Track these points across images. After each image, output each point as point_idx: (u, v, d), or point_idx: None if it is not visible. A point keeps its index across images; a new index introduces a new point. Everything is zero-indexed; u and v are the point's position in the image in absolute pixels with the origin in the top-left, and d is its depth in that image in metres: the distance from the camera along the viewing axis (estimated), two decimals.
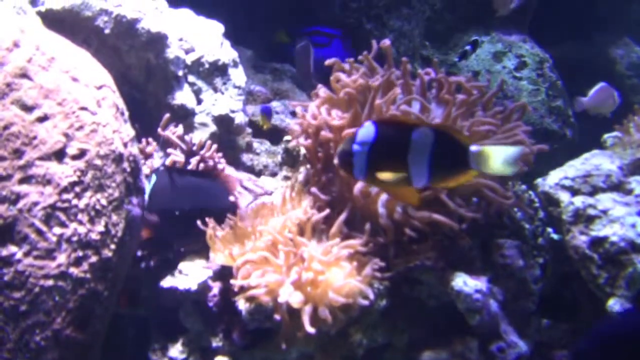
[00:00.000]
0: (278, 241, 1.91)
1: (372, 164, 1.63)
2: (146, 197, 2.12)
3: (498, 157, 1.57)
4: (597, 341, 1.69)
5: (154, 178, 2.21)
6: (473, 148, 1.59)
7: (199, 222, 2.09)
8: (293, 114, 3.08)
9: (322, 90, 2.20)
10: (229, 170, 2.48)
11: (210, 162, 2.37)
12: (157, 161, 2.41)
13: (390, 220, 1.92)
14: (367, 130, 1.63)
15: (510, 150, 1.57)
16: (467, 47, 3.08)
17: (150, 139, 2.43)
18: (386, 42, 2.20)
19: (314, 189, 2.03)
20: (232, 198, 2.28)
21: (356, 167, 1.64)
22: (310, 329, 1.76)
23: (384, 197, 1.94)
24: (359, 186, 1.94)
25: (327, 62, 2.20)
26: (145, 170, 2.31)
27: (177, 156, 2.35)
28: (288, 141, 2.52)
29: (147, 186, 2.15)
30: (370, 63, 2.21)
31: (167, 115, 2.43)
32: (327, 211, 1.98)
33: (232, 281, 1.92)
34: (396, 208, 1.92)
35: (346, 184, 2.02)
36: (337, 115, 2.07)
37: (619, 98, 3.07)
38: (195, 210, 2.14)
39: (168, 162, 2.35)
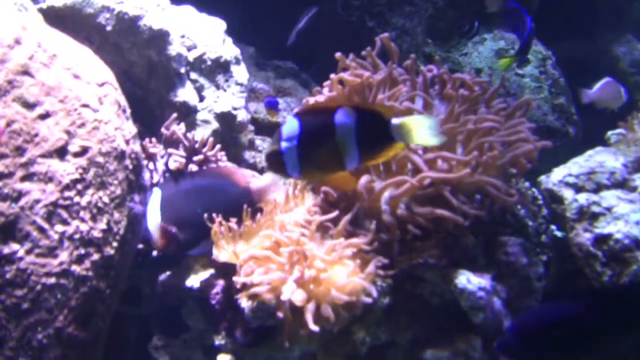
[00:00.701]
0: (281, 239, 1.90)
1: (303, 158, 1.63)
2: (152, 211, 2.11)
3: (420, 127, 1.58)
4: (520, 332, 1.71)
5: (157, 192, 2.19)
6: (394, 121, 1.59)
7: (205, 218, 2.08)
8: None
9: (324, 90, 2.20)
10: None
11: (213, 160, 2.37)
12: (158, 159, 2.41)
13: (393, 216, 1.91)
14: (291, 125, 1.63)
15: (431, 120, 1.59)
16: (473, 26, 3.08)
17: (153, 139, 2.42)
18: (386, 35, 2.20)
19: (324, 187, 2.02)
20: (246, 181, 2.26)
21: (288, 165, 1.64)
22: (314, 327, 1.75)
23: (386, 193, 1.93)
24: (362, 182, 1.93)
25: (337, 55, 2.19)
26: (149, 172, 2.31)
27: (178, 154, 2.35)
28: None
29: (152, 201, 2.14)
30: (373, 60, 2.20)
31: (174, 115, 2.43)
32: (333, 214, 1.98)
33: (234, 278, 1.91)
34: (399, 204, 1.92)
35: None
36: None
37: (625, 94, 3.06)
38: (210, 210, 2.11)
39: (171, 165, 2.34)
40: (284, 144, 1.63)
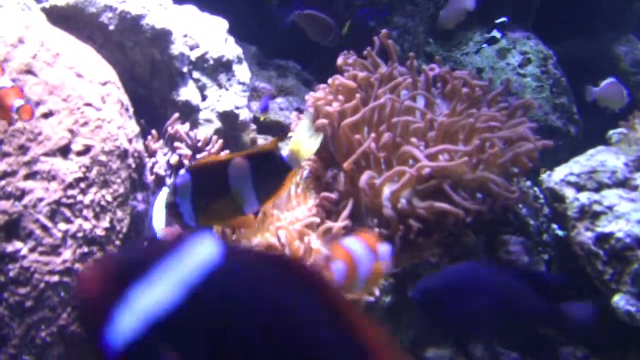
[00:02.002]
0: (284, 235, 1.91)
1: (198, 210, 1.69)
2: (158, 211, 2.11)
3: (303, 140, 1.65)
4: (424, 290, 1.69)
5: (164, 192, 2.19)
6: (284, 152, 1.66)
7: None
8: (298, 110, 3.08)
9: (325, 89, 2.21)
10: None
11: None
12: (160, 157, 2.41)
13: (395, 211, 1.91)
14: (183, 180, 1.69)
15: (304, 125, 1.66)
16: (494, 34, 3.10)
17: (153, 131, 2.42)
18: (384, 31, 2.21)
19: (324, 193, 2.03)
20: None
21: (185, 215, 1.70)
22: None
23: (387, 189, 1.94)
24: (364, 178, 1.93)
25: (339, 61, 2.22)
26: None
27: (184, 150, 2.35)
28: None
29: (158, 200, 2.14)
30: (373, 59, 2.21)
31: (176, 114, 2.43)
32: (341, 223, 1.99)
33: None
34: (400, 199, 1.92)
35: (350, 178, 2.01)
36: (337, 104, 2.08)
37: (627, 96, 3.07)
38: None
39: (174, 160, 2.35)
40: (179, 198, 1.69)
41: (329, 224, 1.96)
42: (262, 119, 2.92)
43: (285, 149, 1.67)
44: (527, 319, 1.71)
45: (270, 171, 1.68)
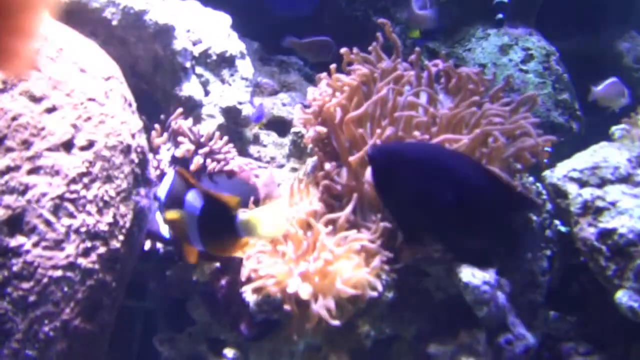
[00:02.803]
0: (288, 232, 1.91)
1: (163, 212, 1.76)
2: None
3: (267, 220, 1.63)
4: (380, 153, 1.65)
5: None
6: (241, 216, 1.64)
7: None
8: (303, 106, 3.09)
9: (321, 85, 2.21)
10: (239, 160, 2.47)
11: (220, 155, 2.37)
12: (164, 152, 2.41)
13: None
14: (169, 177, 1.78)
15: (277, 210, 1.65)
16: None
17: (156, 125, 2.42)
18: (387, 21, 2.21)
19: (325, 181, 2.03)
20: (251, 181, 2.27)
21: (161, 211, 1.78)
22: (334, 322, 1.76)
23: None
24: (369, 173, 1.93)
25: (342, 50, 2.21)
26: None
27: (187, 145, 2.35)
28: (295, 133, 2.52)
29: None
30: (377, 54, 2.20)
31: (180, 110, 2.44)
32: (337, 214, 1.99)
33: (242, 271, 1.92)
34: None
35: (354, 173, 2.02)
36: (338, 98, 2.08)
37: (629, 97, 3.07)
38: None
39: (178, 153, 2.35)
40: (160, 194, 1.77)
41: (332, 215, 1.97)
42: (258, 127, 2.92)
43: (243, 215, 1.64)
44: (482, 209, 1.64)
45: (218, 224, 1.67)
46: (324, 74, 2.20)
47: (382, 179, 1.67)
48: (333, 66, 2.16)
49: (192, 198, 1.68)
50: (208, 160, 2.36)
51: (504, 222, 1.63)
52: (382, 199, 1.82)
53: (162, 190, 1.76)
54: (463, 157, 1.77)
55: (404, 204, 1.69)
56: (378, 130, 1.97)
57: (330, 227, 1.95)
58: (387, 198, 1.76)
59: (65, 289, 1.68)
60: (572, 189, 2.10)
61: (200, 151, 2.35)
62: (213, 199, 1.67)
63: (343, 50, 2.20)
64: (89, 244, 1.73)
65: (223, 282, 2.14)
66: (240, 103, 2.68)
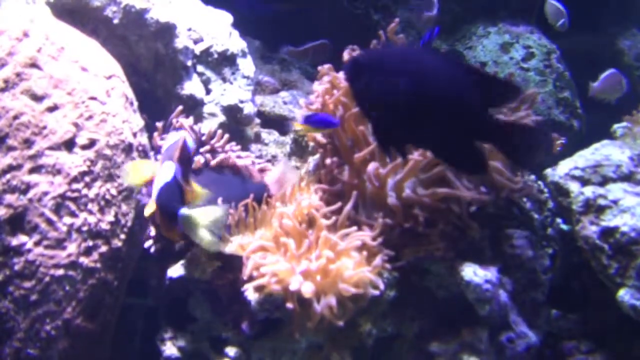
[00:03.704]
0: (289, 229, 1.91)
1: None
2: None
3: (202, 222, 1.68)
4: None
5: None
6: (182, 211, 1.68)
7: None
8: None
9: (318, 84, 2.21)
10: (244, 159, 2.46)
11: (221, 153, 2.37)
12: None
13: (399, 200, 1.91)
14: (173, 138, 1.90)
15: (217, 213, 1.70)
16: None
17: (159, 124, 2.42)
18: (392, 25, 2.21)
19: (322, 185, 2.03)
20: (260, 178, 2.27)
21: None
22: (338, 321, 1.77)
23: (392, 179, 1.94)
24: (370, 169, 1.93)
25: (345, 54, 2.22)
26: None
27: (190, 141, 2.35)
28: (297, 132, 2.52)
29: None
30: None
31: (180, 107, 2.43)
32: (336, 205, 1.98)
33: (244, 269, 1.92)
34: (405, 188, 1.92)
35: (356, 171, 2.01)
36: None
37: (626, 85, 3.07)
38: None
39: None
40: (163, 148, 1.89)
41: (331, 207, 1.97)
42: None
43: (186, 210, 1.69)
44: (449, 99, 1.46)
45: (170, 205, 1.72)
46: (326, 66, 2.20)
47: (356, 84, 1.54)
48: (327, 66, 2.17)
49: (168, 168, 1.76)
50: (209, 158, 2.36)
51: (485, 118, 1.47)
52: (359, 105, 1.70)
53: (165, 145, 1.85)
54: (445, 56, 1.68)
55: (375, 106, 1.55)
56: None
57: (332, 219, 1.95)
58: (362, 104, 1.63)
59: (67, 287, 1.68)
60: (574, 187, 2.10)
61: (202, 149, 2.35)
62: (179, 182, 1.74)
63: (345, 56, 2.20)
64: (90, 243, 1.73)
65: (225, 280, 2.14)
66: (241, 101, 2.68)
